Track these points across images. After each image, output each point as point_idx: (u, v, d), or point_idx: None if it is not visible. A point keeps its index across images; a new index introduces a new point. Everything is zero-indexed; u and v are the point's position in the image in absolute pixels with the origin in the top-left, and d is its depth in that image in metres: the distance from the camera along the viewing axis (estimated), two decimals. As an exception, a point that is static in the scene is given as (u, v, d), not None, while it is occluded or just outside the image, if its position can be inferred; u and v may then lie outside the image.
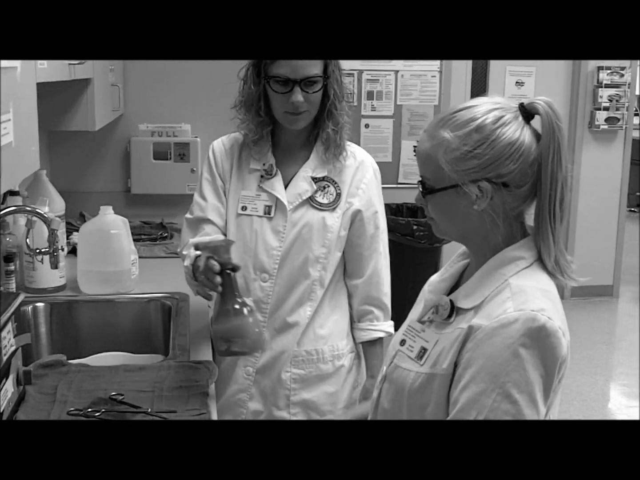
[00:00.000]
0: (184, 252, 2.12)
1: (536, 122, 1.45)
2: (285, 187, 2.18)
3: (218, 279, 1.81)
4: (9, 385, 1.79)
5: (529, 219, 1.48)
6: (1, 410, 1.71)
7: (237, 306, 1.77)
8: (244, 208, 2.18)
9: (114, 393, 1.95)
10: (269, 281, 2.18)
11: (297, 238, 2.16)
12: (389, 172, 5.41)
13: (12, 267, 2.57)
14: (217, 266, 1.81)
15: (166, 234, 3.51)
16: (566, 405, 4.42)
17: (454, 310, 1.46)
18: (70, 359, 2.18)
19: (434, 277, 1.63)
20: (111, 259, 2.65)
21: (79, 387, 2.00)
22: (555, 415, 1.45)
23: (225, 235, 2.22)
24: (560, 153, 1.41)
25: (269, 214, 2.16)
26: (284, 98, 2.06)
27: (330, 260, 2.19)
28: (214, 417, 1.90)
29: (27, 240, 2.48)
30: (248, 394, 2.24)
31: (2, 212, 2.40)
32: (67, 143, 3.83)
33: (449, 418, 1.38)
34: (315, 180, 2.18)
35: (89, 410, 1.87)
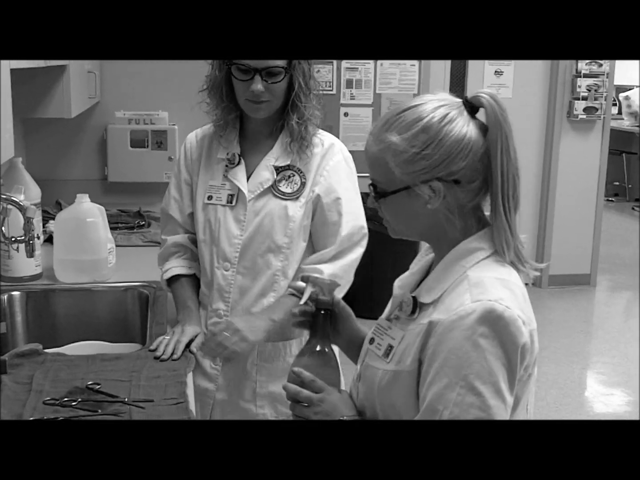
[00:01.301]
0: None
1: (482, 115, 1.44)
2: (250, 176, 2.18)
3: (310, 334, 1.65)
4: (-16, 374, 1.77)
5: (488, 209, 1.48)
6: (-24, 400, 1.70)
7: (327, 349, 1.62)
8: (210, 197, 2.20)
9: (90, 382, 1.94)
10: (231, 270, 2.18)
11: (259, 227, 2.15)
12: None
13: (-13, 256, 2.54)
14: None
15: (143, 222, 3.48)
16: (543, 394, 4.45)
17: (417, 306, 1.45)
18: (47, 348, 2.16)
19: (405, 273, 1.62)
20: (88, 248, 2.62)
21: (55, 377, 1.98)
22: (531, 404, 1.46)
23: (187, 229, 2.28)
24: (507, 144, 1.41)
25: (231, 203, 2.17)
26: (244, 86, 2.06)
27: (294, 250, 2.17)
28: (192, 406, 1.89)
29: (2, 228, 2.45)
30: (215, 384, 2.23)
31: (-24, 200, 2.36)
32: (43, 130, 3.80)
33: (418, 416, 1.38)
34: (278, 169, 2.17)
35: (65, 399, 1.86)
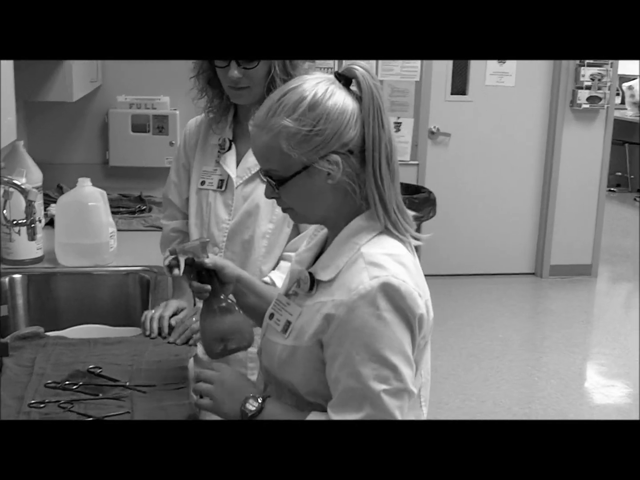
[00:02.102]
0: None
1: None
2: (240, 162, 2.19)
3: (208, 287, 1.71)
4: (-14, 357, 1.77)
5: None
6: (-23, 382, 1.70)
7: (224, 304, 1.72)
8: (203, 182, 2.22)
9: (92, 366, 1.94)
10: (219, 254, 2.18)
11: (246, 212, 2.16)
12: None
13: (-11, 239, 2.54)
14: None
15: (144, 207, 3.47)
16: (543, 384, 4.46)
17: (314, 283, 1.48)
18: (48, 331, 2.16)
19: (302, 247, 1.64)
20: (89, 232, 2.62)
21: (57, 360, 1.98)
22: (427, 371, 1.54)
23: (186, 214, 2.28)
24: (380, 112, 1.43)
25: (221, 188, 2.18)
26: (223, 72, 2.06)
27: (278, 236, 2.16)
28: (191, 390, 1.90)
29: (4, 211, 2.45)
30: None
31: (-22, 182, 2.36)
32: (44, 114, 3.78)
33: (335, 399, 1.40)
34: None
35: (67, 383, 1.86)
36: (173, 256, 1.70)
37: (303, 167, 1.42)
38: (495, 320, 5.35)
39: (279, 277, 2.05)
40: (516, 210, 6.13)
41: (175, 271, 1.70)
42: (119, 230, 2.79)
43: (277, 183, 1.46)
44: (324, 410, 1.43)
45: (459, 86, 5.85)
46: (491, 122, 5.92)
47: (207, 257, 1.71)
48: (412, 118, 5.59)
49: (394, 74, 5.49)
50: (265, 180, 1.49)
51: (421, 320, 1.42)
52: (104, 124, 3.90)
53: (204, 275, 1.71)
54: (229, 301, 1.74)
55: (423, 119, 5.65)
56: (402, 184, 5.15)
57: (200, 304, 1.98)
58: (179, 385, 1.88)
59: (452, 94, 5.85)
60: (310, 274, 1.49)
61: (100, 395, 1.80)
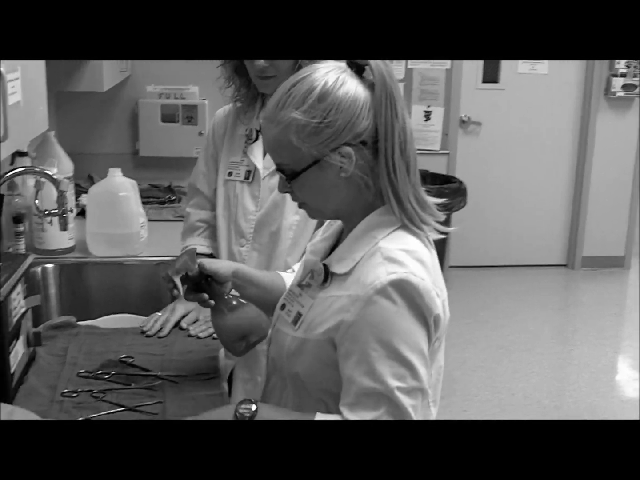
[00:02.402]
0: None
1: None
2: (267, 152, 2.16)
3: (205, 295, 1.72)
4: (20, 346, 1.78)
5: None
6: (12, 372, 1.70)
7: (232, 303, 1.72)
8: (230, 173, 2.20)
9: (124, 356, 1.94)
10: (246, 246, 2.18)
11: (273, 204, 2.14)
12: (398, 137, 5.36)
13: (22, 228, 2.55)
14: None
15: (174, 197, 3.48)
16: (574, 377, 4.42)
17: (328, 275, 1.44)
18: (79, 321, 2.17)
19: (317, 237, 1.61)
20: (120, 222, 2.62)
21: (89, 349, 1.99)
22: (438, 371, 1.48)
23: (214, 204, 2.27)
24: (393, 100, 1.38)
25: (248, 179, 2.17)
26: (249, 61, 2.05)
27: (304, 229, 2.15)
28: (224, 382, 1.89)
29: (36, 201, 2.46)
30: (234, 360, 2.22)
31: (10, 172, 2.37)
32: (75, 104, 3.79)
33: (348, 397, 1.35)
34: None
35: (99, 372, 1.86)
36: (169, 281, 1.70)
37: (314, 160, 1.38)
38: (525, 312, 5.31)
39: None
40: (548, 201, 6.06)
41: (175, 292, 1.71)
42: (149, 220, 2.80)
43: (289, 177, 1.42)
44: (328, 411, 1.40)
45: (491, 74, 5.78)
46: (523, 110, 5.85)
47: (197, 265, 1.69)
48: (443, 107, 5.54)
49: (424, 61, 5.44)
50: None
51: (437, 320, 1.38)
52: (133, 114, 3.90)
53: (202, 284, 1.70)
54: (235, 298, 1.73)
55: (454, 107, 5.61)
56: (431, 173, 5.15)
57: None
58: (210, 376, 1.88)
59: (483, 82, 5.79)
60: (324, 265, 1.45)
61: (132, 385, 1.80)
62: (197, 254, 2.23)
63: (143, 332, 2.10)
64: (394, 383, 1.32)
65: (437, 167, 5.54)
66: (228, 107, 2.27)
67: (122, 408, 1.71)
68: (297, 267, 1.99)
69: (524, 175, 5.99)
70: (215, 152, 2.26)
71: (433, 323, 1.37)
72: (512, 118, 5.86)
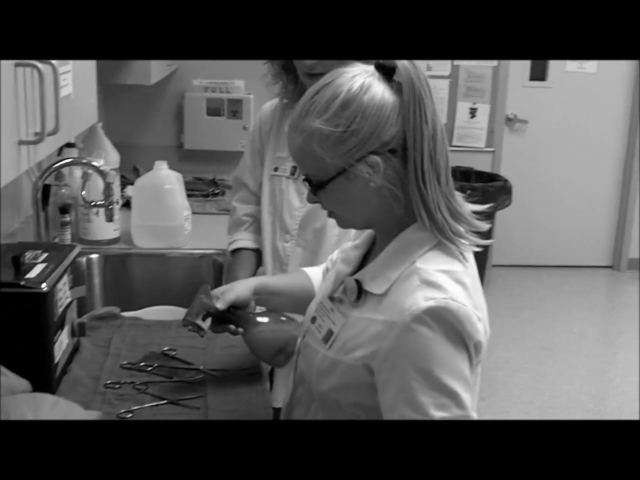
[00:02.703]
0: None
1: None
2: None
3: (232, 327, 1.71)
4: (64, 336, 1.79)
5: None
6: (56, 362, 1.72)
7: (262, 320, 1.70)
8: (276, 169, 2.18)
9: (166, 348, 1.95)
10: (290, 242, 2.16)
11: None
12: (443, 134, 5.32)
13: (68, 219, 2.58)
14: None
15: (218, 191, 3.48)
16: (619, 381, 4.35)
17: (361, 293, 1.36)
18: (123, 312, 2.18)
19: (348, 243, 1.55)
20: (165, 214, 2.64)
21: (132, 341, 2.00)
22: (475, 392, 1.38)
23: (260, 198, 2.25)
24: (422, 105, 1.29)
25: (294, 175, 2.14)
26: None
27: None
28: (265, 376, 1.89)
29: (83, 192, 2.48)
30: None
31: (58, 163, 2.39)
32: (122, 96, 3.82)
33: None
34: None
35: (142, 364, 1.87)
36: (190, 327, 1.70)
37: (339, 170, 1.31)
38: (570, 314, 5.24)
39: None
40: (594, 201, 5.97)
41: (202, 333, 1.70)
42: (193, 213, 2.80)
43: (315, 187, 1.35)
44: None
45: (538, 72, 5.70)
46: (571, 109, 5.76)
47: (216, 299, 1.68)
48: (489, 104, 5.48)
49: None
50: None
51: (478, 346, 1.30)
52: (179, 107, 3.92)
53: (225, 315, 1.68)
54: (262, 314, 1.72)
55: (500, 105, 5.54)
56: (476, 171, 5.11)
57: None
58: (252, 371, 1.88)
59: (530, 79, 5.71)
60: (357, 282, 1.37)
61: (175, 377, 1.80)
62: (239, 248, 2.25)
63: (185, 326, 2.10)
64: (437, 414, 1.25)
65: (482, 164, 5.49)
66: (275, 102, 2.25)
67: (164, 401, 1.71)
68: (324, 265, 1.91)
69: (570, 174, 5.90)
70: (261, 146, 2.25)
71: (474, 348, 1.29)
72: (559, 117, 5.77)
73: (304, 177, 1.38)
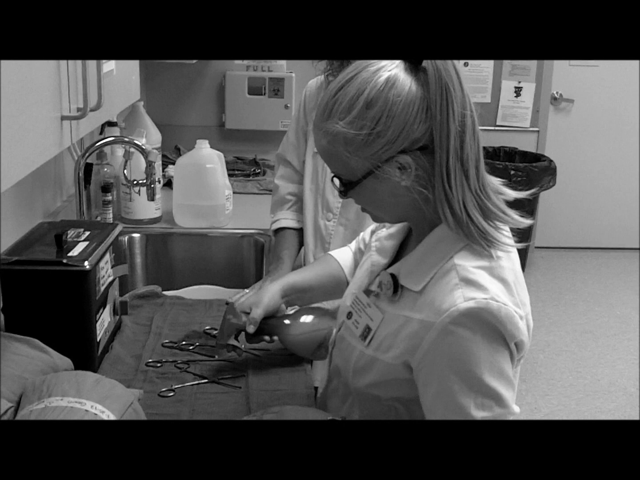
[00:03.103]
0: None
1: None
2: None
3: (266, 337, 1.72)
4: (106, 314, 1.80)
5: None
6: (98, 340, 1.72)
7: (295, 321, 1.70)
8: None
9: (208, 327, 1.95)
10: (332, 220, 2.16)
11: None
12: (487, 113, 5.24)
13: (109, 198, 2.58)
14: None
15: (259, 170, 3.47)
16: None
17: (397, 288, 1.32)
18: (164, 291, 2.18)
19: (383, 231, 1.50)
20: (206, 193, 2.63)
21: (174, 320, 2.00)
22: (516, 385, 1.34)
23: (300, 173, 2.25)
24: (449, 98, 1.21)
25: None
26: None
27: None
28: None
29: (125, 171, 2.48)
30: None
31: (100, 142, 2.39)
32: (163, 75, 3.82)
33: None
34: None
35: (183, 343, 1.87)
36: (224, 347, 1.71)
37: (368, 172, 1.25)
38: (613, 296, 5.16)
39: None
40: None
41: (238, 351, 1.72)
42: (234, 193, 2.80)
43: (345, 187, 1.30)
44: (399, 417, 1.35)
45: (585, 51, 5.60)
46: (617, 88, 5.64)
47: (245, 314, 1.68)
48: (534, 82, 5.39)
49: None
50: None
51: (520, 345, 1.26)
52: (220, 86, 3.91)
53: (259, 328, 1.68)
54: (295, 315, 1.72)
55: (545, 83, 5.44)
56: (520, 151, 5.02)
57: None
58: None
59: (576, 58, 5.61)
60: (393, 276, 1.33)
61: (216, 357, 1.80)
62: (282, 228, 2.24)
63: (227, 304, 2.10)
64: (478, 414, 1.23)
65: (527, 144, 5.41)
66: (321, 78, 2.22)
67: (206, 380, 1.71)
68: (353, 245, 1.82)
69: (616, 155, 5.80)
70: (305, 124, 2.23)
71: (515, 346, 1.26)
72: (606, 97, 5.66)
73: (332, 175, 1.33)
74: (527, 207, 4.63)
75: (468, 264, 1.26)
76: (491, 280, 1.24)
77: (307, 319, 1.71)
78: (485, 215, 1.27)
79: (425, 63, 1.22)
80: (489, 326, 1.22)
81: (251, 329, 1.67)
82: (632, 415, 3.75)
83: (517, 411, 1.28)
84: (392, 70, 1.22)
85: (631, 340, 4.55)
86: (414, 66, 1.23)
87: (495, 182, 1.35)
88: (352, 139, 1.23)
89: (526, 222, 1.32)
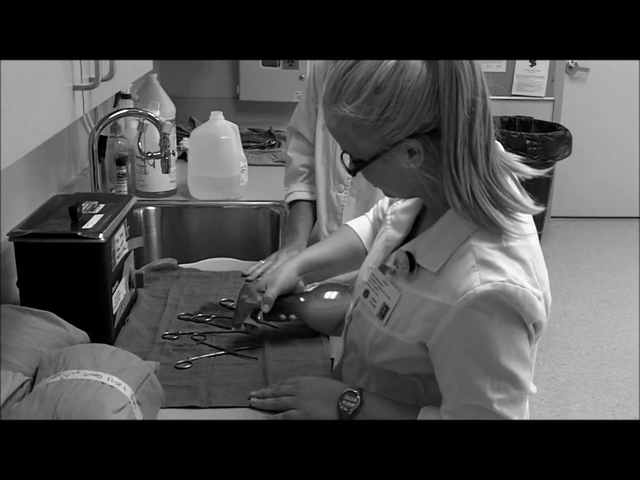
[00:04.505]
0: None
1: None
2: None
3: (282, 316, 1.74)
4: (122, 287, 1.80)
5: None
6: (114, 312, 1.72)
7: (313, 299, 1.71)
8: None
9: (224, 299, 1.95)
10: (344, 192, 2.16)
11: None
12: (502, 82, 5.21)
13: (124, 171, 2.58)
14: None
15: (274, 142, 3.45)
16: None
17: (414, 265, 1.31)
18: (180, 264, 2.18)
19: (399, 203, 1.48)
20: (221, 165, 2.62)
21: (190, 292, 2.00)
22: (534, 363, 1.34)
23: (312, 145, 2.25)
24: (459, 84, 1.17)
25: None
26: None
27: None
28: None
29: (139, 143, 2.47)
30: None
31: (114, 114, 2.38)
32: (176, 47, 3.80)
33: (447, 404, 1.28)
34: None
35: (200, 315, 1.87)
36: (243, 329, 1.73)
37: (377, 154, 1.24)
38: (629, 266, 5.13)
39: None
40: (657, 151, 5.81)
41: (255, 330, 1.73)
42: (249, 164, 2.79)
43: (355, 165, 1.29)
44: (417, 394, 1.36)
45: (602, 18, 5.53)
46: (634, 56, 5.58)
47: (261, 293, 1.70)
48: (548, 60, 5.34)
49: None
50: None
51: (538, 326, 1.26)
52: (234, 57, 3.88)
53: (274, 305, 1.70)
54: (313, 293, 1.73)
55: (561, 53, 5.39)
56: (536, 120, 4.99)
57: None
58: (309, 323, 1.86)
59: (592, 26, 5.54)
60: (409, 255, 1.32)
61: (232, 328, 1.80)
62: (297, 200, 2.23)
63: (244, 276, 2.10)
64: (494, 396, 1.22)
65: (542, 114, 5.36)
66: None
67: (222, 352, 1.71)
68: (371, 214, 1.81)
69: (631, 124, 5.74)
70: (315, 95, 2.22)
71: (533, 327, 1.25)
72: (621, 65, 5.59)
73: (342, 151, 1.32)
74: (541, 176, 4.60)
75: (485, 245, 1.24)
76: (508, 261, 1.23)
77: (331, 295, 1.72)
78: (494, 202, 1.24)
79: None
80: (507, 308, 1.21)
81: (266, 308, 1.68)
82: (650, 384, 3.75)
83: (533, 391, 1.28)
84: None
85: (648, 309, 4.54)
86: None
87: (513, 158, 1.33)
88: (360, 123, 1.21)
89: (537, 209, 1.29)
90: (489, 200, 1.24)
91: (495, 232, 1.24)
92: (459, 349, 1.24)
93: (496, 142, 1.32)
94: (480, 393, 1.23)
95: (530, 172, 1.33)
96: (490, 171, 1.24)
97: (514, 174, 1.32)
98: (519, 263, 1.24)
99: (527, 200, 1.29)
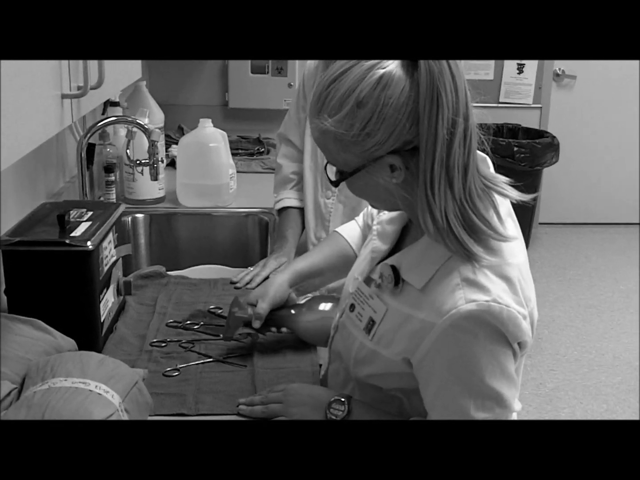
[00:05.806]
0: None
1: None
2: None
3: (273, 329, 1.75)
4: (110, 295, 1.80)
5: None
6: (102, 320, 1.72)
7: (304, 310, 1.72)
8: None
9: (212, 306, 1.95)
10: (332, 198, 2.17)
11: None
12: (489, 90, 5.23)
13: (112, 178, 2.58)
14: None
15: (263, 149, 3.46)
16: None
17: (399, 280, 1.30)
18: (169, 271, 2.18)
19: (384, 214, 1.46)
20: (210, 173, 2.63)
21: (178, 299, 2.00)
22: (519, 379, 1.34)
23: (302, 152, 2.25)
24: (439, 104, 1.15)
25: None
26: None
27: None
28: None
29: (128, 151, 2.47)
30: None
31: (103, 122, 2.39)
32: (165, 55, 3.80)
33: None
34: None
35: (188, 322, 1.87)
36: (240, 339, 1.73)
37: (358, 167, 1.23)
38: (616, 272, 5.16)
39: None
40: (644, 158, 5.85)
41: (254, 337, 1.73)
42: (238, 172, 2.79)
43: (338, 178, 1.29)
44: (402, 408, 1.36)
45: (588, 26, 5.56)
46: (621, 65, 5.61)
47: (252, 306, 1.70)
48: (536, 59, 5.37)
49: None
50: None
51: (523, 345, 1.25)
52: (223, 65, 3.89)
53: (267, 320, 1.70)
54: (305, 305, 1.73)
55: (548, 60, 5.42)
56: (523, 128, 5.03)
57: None
58: (298, 330, 1.87)
59: (579, 34, 5.57)
60: (393, 269, 1.31)
61: (221, 335, 1.80)
62: (286, 207, 2.24)
63: (232, 284, 2.10)
64: (478, 415, 1.22)
65: (530, 121, 5.39)
66: None
67: (210, 359, 1.71)
68: (361, 219, 1.81)
69: (619, 131, 5.77)
70: (305, 103, 2.23)
71: (518, 346, 1.24)
72: (609, 73, 5.63)
73: (326, 161, 1.31)
74: (529, 182, 4.62)
75: (470, 263, 1.23)
76: (494, 280, 1.22)
77: (323, 307, 1.72)
78: (467, 228, 1.22)
79: (419, 64, 1.16)
80: (491, 328, 1.20)
81: (257, 324, 1.69)
82: (636, 388, 3.76)
83: (517, 409, 1.29)
84: (387, 67, 1.17)
85: (635, 314, 4.55)
86: (412, 62, 1.17)
87: (500, 180, 1.30)
88: (341, 137, 1.20)
89: (512, 236, 1.27)
90: (461, 225, 1.21)
91: (465, 258, 1.23)
92: (442, 368, 1.24)
93: (487, 160, 1.32)
94: (463, 412, 1.23)
95: (515, 196, 1.30)
96: (467, 195, 1.22)
97: (495, 198, 1.28)
98: (505, 281, 1.23)
99: (503, 227, 1.26)
